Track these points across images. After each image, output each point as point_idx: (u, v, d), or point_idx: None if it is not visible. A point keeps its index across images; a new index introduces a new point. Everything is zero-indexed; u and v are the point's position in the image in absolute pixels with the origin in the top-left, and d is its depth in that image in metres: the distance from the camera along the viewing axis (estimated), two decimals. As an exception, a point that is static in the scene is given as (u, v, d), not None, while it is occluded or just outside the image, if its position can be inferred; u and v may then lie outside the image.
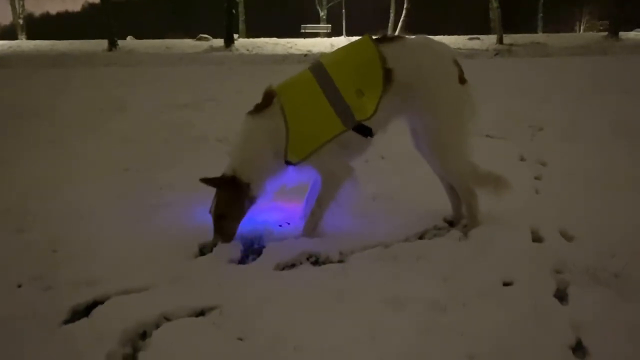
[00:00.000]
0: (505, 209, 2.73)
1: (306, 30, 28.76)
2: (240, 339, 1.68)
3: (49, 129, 5.19)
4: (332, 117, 2.35)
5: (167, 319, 1.82)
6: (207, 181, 2.40)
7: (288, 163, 2.38)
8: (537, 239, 2.40)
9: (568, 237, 2.38)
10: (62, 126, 5.34)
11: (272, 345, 1.64)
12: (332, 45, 26.38)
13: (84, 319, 1.84)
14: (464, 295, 1.86)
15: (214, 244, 2.37)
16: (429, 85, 2.41)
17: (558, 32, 28.65)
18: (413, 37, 2.56)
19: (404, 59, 2.42)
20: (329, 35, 30.50)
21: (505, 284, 1.98)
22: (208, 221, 2.58)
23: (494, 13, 24.54)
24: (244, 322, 1.76)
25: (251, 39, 28.52)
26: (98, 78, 10.39)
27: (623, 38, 21.97)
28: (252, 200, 2.42)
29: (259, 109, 2.42)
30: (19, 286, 2.07)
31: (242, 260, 2.29)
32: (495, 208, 2.72)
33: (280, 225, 2.64)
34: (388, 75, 2.38)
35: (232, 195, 2.37)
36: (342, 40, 28.92)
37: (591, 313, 1.74)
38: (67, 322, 1.84)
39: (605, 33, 22.90)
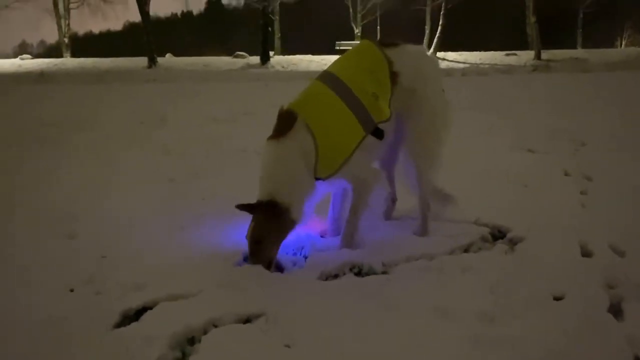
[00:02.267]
0: (551, 223, 2.70)
1: (341, 47, 28.92)
2: (288, 346, 1.68)
3: (93, 140, 5.35)
4: (355, 125, 2.35)
5: (215, 325, 1.84)
6: (244, 207, 2.25)
7: (317, 179, 2.35)
8: (586, 253, 2.34)
9: (619, 252, 2.32)
10: (105, 138, 5.50)
11: (320, 353, 1.63)
12: (366, 62, 26.48)
13: (134, 324, 1.87)
14: (513, 308, 1.83)
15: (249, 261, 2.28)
16: (427, 90, 2.51)
17: (598, 47, 28.13)
18: (409, 44, 2.61)
19: (407, 63, 2.49)
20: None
21: (556, 298, 1.93)
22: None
23: (532, 28, 24.29)
24: (291, 329, 1.77)
25: (286, 56, 28.86)
26: (138, 93, 10.66)
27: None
28: (292, 225, 2.30)
29: (282, 132, 2.29)
30: (71, 290, 2.13)
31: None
32: (541, 222, 2.69)
33: (322, 236, 2.65)
34: (394, 79, 2.44)
35: (271, 220, 2.23)
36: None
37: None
38: (117, 326, 1.87)
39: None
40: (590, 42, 29.48)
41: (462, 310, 1.81)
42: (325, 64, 20.37)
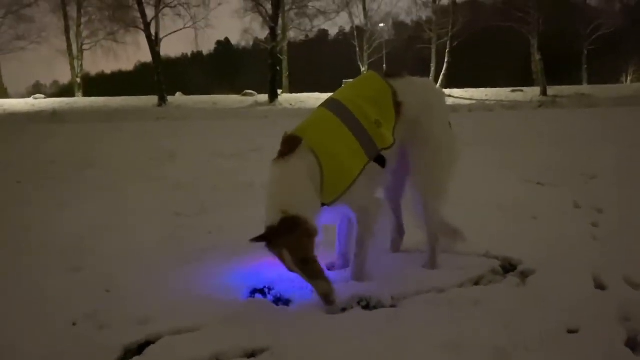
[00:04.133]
0: (563, 255, 2.65)
1: (348, 85, 29.21)
2: (294, 382, 1.63)
3: (102, 177, 5.38)
4: (359, 150, 2.32)
5: (221, 358, 1.79)
6: (258, 239, 2.12)
7: (324, 204, 2.31)
8: (599, 286, 2.28)
9: (634, 285, 2.26)
10: (115, 174, 5.54)
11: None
12: (373, 99, 26.76)
13: (136, 358, 1.83)
14: (528, 343, 1.77)
15: (328, 295, 2.11)
16: (433, 122, 2.50)
17: (603, 83, 28.30)
18: (415, 77, 2.62)
19: (411, 94, 2.49)
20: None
21: (571, 332, 1.87)
22: (256, 263, 2.59)
23: (537, 65, 24.53)
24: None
25: (294, 94, 29.26)
26: (149, 131, 10.78)
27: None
28: (315, 234, 2.15)
29: (285, 153, 2.25)
30: (74, 324, 2.09)
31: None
32: (553, 254, 2.64)
33: (329, 269, 2.60)
34: (398, 108, 2.43)
35: (299, 234, 2.07)
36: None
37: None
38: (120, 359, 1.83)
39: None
40: (596, 78, 29.66)
41: (475, 347, 1.75)
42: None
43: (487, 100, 21.87)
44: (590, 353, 1.72)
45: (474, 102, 21.38)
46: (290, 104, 24.87)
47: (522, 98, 21.88)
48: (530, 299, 2.14)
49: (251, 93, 29.20)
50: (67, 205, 4.09)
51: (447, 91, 26.89)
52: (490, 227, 3.11)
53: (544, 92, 22.38)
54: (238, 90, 30.79)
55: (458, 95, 25.05)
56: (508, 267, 2.57)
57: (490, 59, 35.67)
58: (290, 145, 2.27)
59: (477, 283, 2.38)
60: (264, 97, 26.89)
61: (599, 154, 5.95)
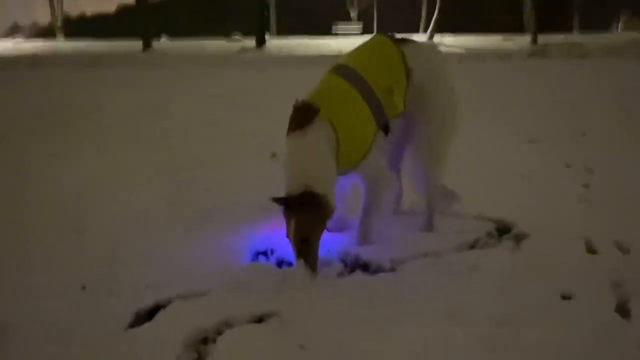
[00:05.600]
0: (555, 218, 2.73)
1: (338, 32, 28.76)
2: (302, 347, 1.71)
3: (94, 130, 5.34)
4: (370, 119, 2.33)
5: (228, 325, 1.85)
6: (280, 200, 2.14)
7: (341, 173, 2.34)
8: (591, 250, 2.37)
9: (623, 250, 2.35)
10: (107, 128, 5.49)
11: (335, 355, 1.66)
12: (363, 45, 26.36)
13: (148, 324, 1.89)
14: (524, 310, 1.86)
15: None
16: (439, 89, 2.50)
17: (594, 31, 28.09)
18: (421, 41, 2.60)
19: (419, 60, 2.48)
20: (359, 33, 30.41)
21: (564, 297, 1.96)
22: (257, 225, 2.64)
23: (528, 12, 24.23)
24: (304, 330, 1.79)
25: (282, 40, 28.69)
26: (136, 79, 10.57)
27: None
28: (331, 215, 2.19)
29: (303, 124, 2.20)
30: (83, 288, 2.14)
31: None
32: (545, 217, 2.72)
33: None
34: (408, 74, 2.43)
35: (314, 212, 2.12)
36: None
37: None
38: (131, 325, 1.89)
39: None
40: (587, 25, 29.39)
41: (474, 314, 1.83)
42: (322, 49, 20.38)
43: (477, 49, 21.63)
44: (584, 319, 1.80)
45: (464, 51, 21.14)
46: (279, 50, 24.43)
47: (512, 47, 21.67)
48: (525, 264, 2.22)
49: (238, 38, 28.60)
50: (62, 161, 4.09)
51: (437, 38, 26.53)
52: (484, 188, 3.17)
53: (534, 41, 22.17)
54: (224, 32, 30.12)
55: (449, 43, 24.73)
56: (503, 229, 2.64)
57: (481, 5, 35.03)
58: (306, 115, 2.22)
59: (472, 247, 2.45)
60: (252, 42, 26.37)
61: (589, 109, 6.00)
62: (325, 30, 29.51)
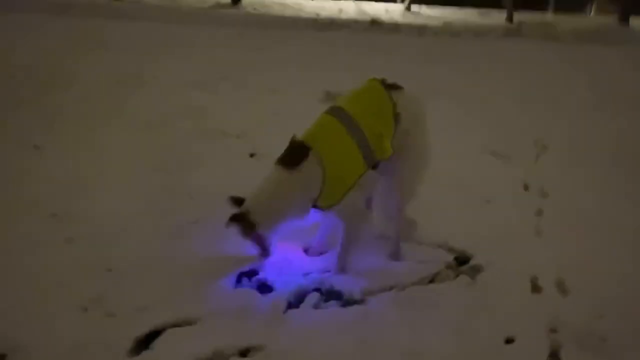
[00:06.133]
0: (508, 251, 3.04)
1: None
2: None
3: (71, 106, 5.51)
4: (359, 160, 2.61)
5: (220, 357, 2.13)
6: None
7: (319, 208, 2.63)
8: (536, 288, 2.70)
9: (563, 291, 2.68)
10: (83, 102, 5.67)
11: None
12: (340, 10, 26.14)
13: (146, 352, 2.14)
14: (473, 352, 2.18)
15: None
16: (417, 133, 2.78)
17: (569, 11, 28.51)
18: (405, 90, 2.82)
19: (406, 106, 2.74)
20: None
21: (508, 341, 2.29)
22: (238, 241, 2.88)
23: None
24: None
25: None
26: (104, 36, 10.37)
27: (633, 25, 21.89)
28: (252, 233, 2.65)
29: (293, 164, 2.53)
30: (85, 310, 2.37)
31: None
32: (499, 250, 3.03)
33: (305, 252, 2.94)
34: (397, 120, 2.68)
35: (242, 228, 2.63)
36: (350, 5, 28.59)
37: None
38: (132, 351, 2.14)
39: (615, 18, 22.75)
40: (561, 5, 29.67)
41: (430, 355, 2.15)
42: (300, 10, 20.05)
43: (453, 23, 21.77)
44: (521, 366, 2.14)
45: (441, 24, 21.26)
46: (254, 9, 24.08)
47: (488, 23, 21.88)
48: (478, 303, 2.54)
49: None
50: (41, 150, 4.25)
51: (415, 7, 26.49)
52: (445, 211, 3.45)
53: (510, 19, 22.41)
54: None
55: (426, 15, 24.79)
56: (461, 259, 2.96)
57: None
58: (298, 154, 2.54)
59: (432, 280, 2.76)
60: (226, -4, 25.85)
61: (555, 115, 6.31)
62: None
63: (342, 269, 2.73)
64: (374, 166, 2.68)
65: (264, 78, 7.79)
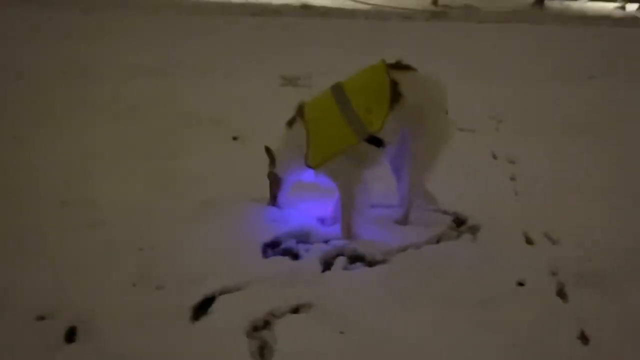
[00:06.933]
0: (496, 211, 3.38)
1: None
2: (342, 333, 2.22)
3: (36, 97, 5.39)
4: (346, 130, 2.88)
5: (274, 316, 2.32)
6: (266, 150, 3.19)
7: (309, 166, 2.95)
8: (529, 241, 3.06)
9: (553, 241, 3.06)
10: (41, 87, 5.66)
11: (371, 336, 2.20)
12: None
13: (206, 317, 2.31)
14: (496, 295, 2.50)
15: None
16: (431, 111, 3.01)
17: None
18: (419, 72, 3.08)
19: (414, 86, 2.98)
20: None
21: (519, 284, 2.63)
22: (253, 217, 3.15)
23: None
24: (339, 318, 2.30)
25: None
26: (42, 27, 10.01)
27: (548, 6, 23.32)
28: (278, 182, 3.19)
29: (290, 123, 3.06)
30: (134, 285, 2.49)
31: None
32: (488, 210, 3.36)
33: (321, 222, 3.16)
34: (397, 97, 2.92)
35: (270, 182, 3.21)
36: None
37: (588, 309, 2.43)
38: (192, 317, 2.30)
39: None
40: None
41: (462, 300, 2.45)
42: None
43: (383, 5, 22.29)
44: (536, 301, 2.48)
45: (370, 7, 21.73)
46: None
47: (414, 5, 22.57)
48: (484, 255, 2.87)
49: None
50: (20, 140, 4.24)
51: (343, -7, 26.67)
52: (433, 182, 3.73)
53: (434, 2, 23.21)
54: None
55: (355, -2, 25.13)
56: (459, 221, 3.28)
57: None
58: (294, 118, 3.04)
59: (439, 240, 3.06)
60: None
61: (500, 90, 6.80)
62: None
63: (346, 231, 2.99)
64: (379, 143, 2.93)
65: (217, 64, 7.85)
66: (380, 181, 3.25)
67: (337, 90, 2.96)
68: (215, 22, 12.42)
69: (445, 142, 3.08)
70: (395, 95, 2.91)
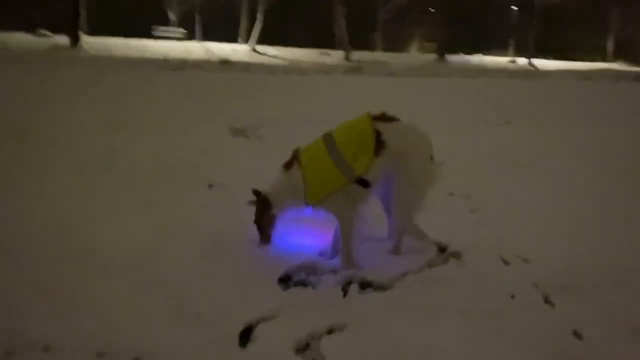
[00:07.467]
0: (471, 239, 3.80)
1: (159, 34, 28.33)
2: (377, 345, 2.49)
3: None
4: (336, 173, 3.26)
5: (313, 338, 2.55)
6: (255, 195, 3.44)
7: (307, 204, 3.30)
8: (505, 262, 3.50)
9: (525, 260, 3.52)
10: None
11: (404, 346, 2.49)
12: (187, 51, 26.39)
13: (251, 343, 2.50)
14: (498, 306, 2.88)
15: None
16: (413, 156, 3.41)
17: (394, 49, 32.08)
18: (402, 122, 3.49)
19: (396, 135, 3.37)
20: (182, 38, 30.31)
21: (512, 296, 3.03)
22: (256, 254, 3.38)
23: (340, 30, 26.60)
24: (372, 332, 2.58)
25: (99, 38, 27.23)
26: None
27: (449, 61, 25.43)
28: (268, 211, 3.41)
29: (288, 166, 3.37)
30: (176, 320, 2.62)
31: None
32: (464, 239, 3.78)
33: (320, 255, 3.44)
34: (380, 145, 3.31)
35: (262, 208, 3.42)
36: (196, 46, 28.92)
37: (574, 311, 2.86)
38: (242, 345, 2.48)
39: (434, 55, 26.24)
40: (388, 43, 33.39)
41: (476, 312, 2.80)
42: (145, 51, 20.31)
43: (300, 61, 23.30)
44: (530, 310, 2.88)
45: (287, 63, 22.63)
46: (96, 51, 23.36)
47: (330, 62, 23.81)
48: (473, 275, 3.25)
49: (47, 34, 26.47)
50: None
51: (261, 48, 27.64)
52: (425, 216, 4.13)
53: (347, 58, 24.60)
54: (29, 26, 27.52)
55: (271, 54, 26.07)
56: (441, 249, 3.67)
57: (296, 18, 37.18)
58: (290, 162, 3.37)
59: (431, 265, 3.43)
60: (63, 39, 24.73)
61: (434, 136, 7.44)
62: (143, 32, 28.70)
63: (348, 263, 3.30)
64: (365, 184, 3.30)
65: (163, 117, 8.03)
66: (372, 215, 3.59)
67: (328, 138, 3.35)
68: (137, 78, 12.58)
69: (429, 185, 3.50)
70: (379, 144, 3.31)
